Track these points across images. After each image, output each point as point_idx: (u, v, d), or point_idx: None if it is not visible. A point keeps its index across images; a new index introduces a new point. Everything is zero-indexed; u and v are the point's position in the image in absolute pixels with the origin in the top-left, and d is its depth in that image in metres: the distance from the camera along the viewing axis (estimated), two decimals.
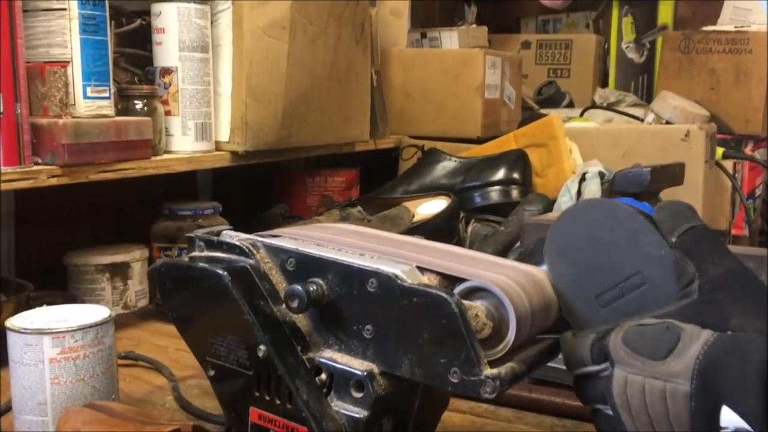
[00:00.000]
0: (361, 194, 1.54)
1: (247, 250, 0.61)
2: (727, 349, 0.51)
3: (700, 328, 0.52)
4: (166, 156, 1.13)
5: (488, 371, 0.51)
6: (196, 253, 0.64)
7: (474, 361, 0.51)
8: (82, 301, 1.10)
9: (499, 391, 0.51)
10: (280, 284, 0.61)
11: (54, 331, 0.71)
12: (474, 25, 1.95)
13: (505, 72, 1.73)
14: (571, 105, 2.13)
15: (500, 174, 1.41)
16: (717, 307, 0.54)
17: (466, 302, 0.53)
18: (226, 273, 0.59)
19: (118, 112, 1.06)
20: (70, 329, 0.72)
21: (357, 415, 0.57)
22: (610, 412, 0.53)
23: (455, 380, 0.52)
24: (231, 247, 0.62)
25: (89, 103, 0.99)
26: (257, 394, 0.61)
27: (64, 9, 0.97)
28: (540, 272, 0.60)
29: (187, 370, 0.91)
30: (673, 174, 1.14)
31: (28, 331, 0.72)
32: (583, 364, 0.55)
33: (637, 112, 1.95)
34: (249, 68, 1.18)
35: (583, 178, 1.31)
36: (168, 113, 1.14)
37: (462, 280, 0.56)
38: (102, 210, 1.32)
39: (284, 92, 1.23)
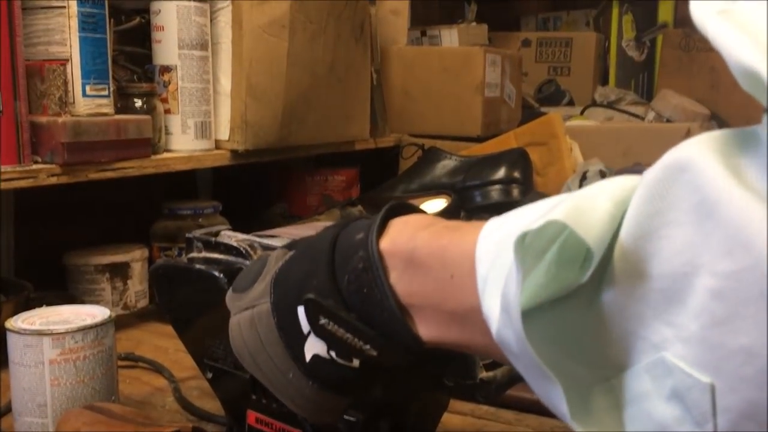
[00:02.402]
0: (362, 193, 1.53)
1: (244, 251, 0.61)
2: (296, 254, 0.51)
3: (287, 250, 0.52)
4: (165, 155, 1.12)
5: (484, 374, 0.51)
6: (194, 254, 0.64)
7: (469, 365, 0.51)
8: (82, 302, 1.09)
9: (495, 395, 0.51)
10: None
11: (54, 332, 0.71)
12: (474, 23, 1.94)
13: (506, 70, 1.72)
14: (571, 103, 2.13)
15: (501, 173, 1.41)
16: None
17: None
18: (222, 275, 0.59)
19: (118, 111, 1.05)
20: (70, 330, 0.71)
21: (353, 418, 0.57)
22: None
23: (451, 384, 0.52)
24: (228, 248, 0.62)
25: (88, 102, 0.99)
26: (254, 397, 0.61)
27: (64, 7, 0.97)
28: None
29: (187, 371, 0.90)
30: None
31: (27, 332, 0.71)
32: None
33: (638, 110, 1.95)
34: (249, 67, 1.17)
35: (584, 177, 1.31)
36: (167, 111, 1.13)
37: None
38: (102, 209, 1.31)
39: (284, 91, 1.22)
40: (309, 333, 0.48)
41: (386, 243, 0.46)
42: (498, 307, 0.37)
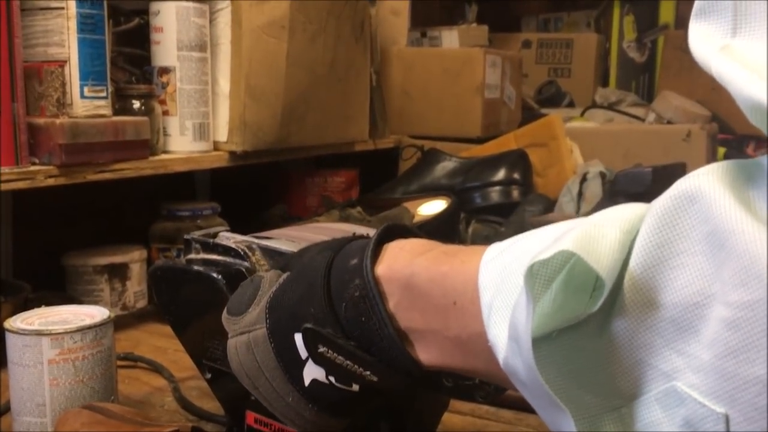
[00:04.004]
0: (361, 194, 1.53)
1: (242, 253, 0.61)
2: (290, 278, 0.51)
3: (281, 273, 0.53)
4: (164, 156, 1.12)
5: None
6: (192, 256, 0.64)
7: None
8: (81, 302, 1.09)
9: (494, 396, 0.51)
10: None
11: (53, 332, 0.71)
12: (474, 24, 1.94)
13: (506, 71, 1.72)
14: (571, 105, 2.12)
15: (501, 174, 1.41)
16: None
17: None
18: (220, 276, 0.59)
19: (116, 112, 1.05)
20: (69, 330, 0.71)
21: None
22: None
23: (449, 384, 0.51)
24: (227, 250, 0.62)
25: (86, 103, 0.99)
26: (253, 397, 0.60)
27: (62, 8, 0.97)
28: None
29: (186, 371, 0.90)
30: (674, 174, 1.14)
31: (26, 332, 0.71)
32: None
33: (638, 111, 1.95)
34: (248, 67, 1.17)
35: (584, 179, 1.31)
36: (166, 113, 1.13)
37: None
38: (100, 211, 1.31)
39: (283, 92, 1.22)
40: (307, 358, 0.48)
41: (383, 269, 0.46)
42: (505, 335, 0.37)
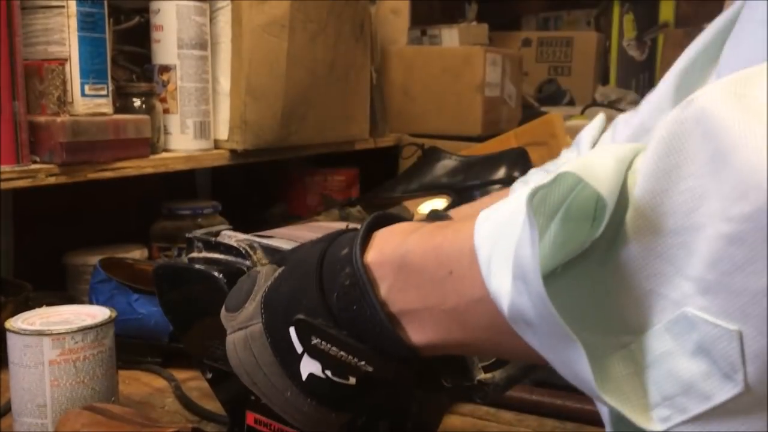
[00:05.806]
0: (361, 193, 1.53)
1: (244, 252, 0.61)
2: (284, 272, 0.51)
3: (276, 267, 0.52)
4: (164, 154, 1.12)
5: (482, 376, 0.51)
6: (194, 254, 0.64)
7: (467, 366, 0.51)
8: (82, 302, 1.09)
9: (493, 396, 0.51)
10: None
11: (54, 332, 0.71)
12: (474, 23, 1.94)
13: (506, 70, 1.72)
14: (571, 103, 2.12)
15: (501, 173, 1.41)
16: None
17: None
18: (221, 275, 0.58)
19: (116, 110, 1.05)
20: (70, 330, 0.71)
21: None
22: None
23: (449, 385, 0.51)
24: (228, 248, 0.62)
25: (87, 101, 0.98)
26: (253, 397, 0.60)
27: (63, 6, 0.97)
28: None
29: (186, 372, 0.90)
30: None
31: (27, 332, 0.71)
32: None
33: None
34: (248, 66, 1.17)
35: None
36: (166, 111, 1.13)
37: None
38: (101, 209, 1.31)
39: (283, 91, 1.22)
40: (303, 353, 0.48)
41: (373, 255, 0.46)
42: (508, 280, 0.36)
